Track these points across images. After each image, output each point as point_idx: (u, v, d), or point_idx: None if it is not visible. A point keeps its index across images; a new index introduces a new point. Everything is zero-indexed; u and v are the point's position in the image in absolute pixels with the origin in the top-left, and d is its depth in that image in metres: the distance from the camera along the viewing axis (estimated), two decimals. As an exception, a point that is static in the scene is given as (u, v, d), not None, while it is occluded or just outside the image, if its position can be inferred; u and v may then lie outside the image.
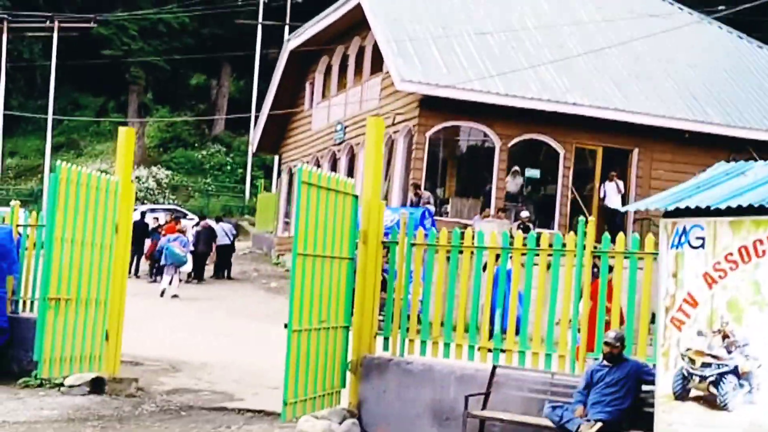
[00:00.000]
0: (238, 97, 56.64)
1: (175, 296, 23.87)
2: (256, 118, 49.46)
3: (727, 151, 26.01)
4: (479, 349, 10.25)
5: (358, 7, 26.71)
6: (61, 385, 11.90)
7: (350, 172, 28.75)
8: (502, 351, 10.05)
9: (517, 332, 10.22)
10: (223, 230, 29.08)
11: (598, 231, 10.33)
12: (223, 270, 29.00)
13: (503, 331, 10.30)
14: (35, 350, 11.42)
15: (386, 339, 11.01)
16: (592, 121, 25.11)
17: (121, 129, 12.94)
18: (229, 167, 50.52)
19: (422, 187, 23.65)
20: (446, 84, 24.03)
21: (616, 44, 26.67)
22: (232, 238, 29.86)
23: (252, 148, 36.88)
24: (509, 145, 25.14)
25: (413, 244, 10.97)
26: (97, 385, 11.92)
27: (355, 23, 28.06)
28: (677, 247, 7.17)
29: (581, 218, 9.91)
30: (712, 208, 6.90)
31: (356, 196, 11.05)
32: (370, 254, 10.98)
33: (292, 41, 31.72)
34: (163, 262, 24.59)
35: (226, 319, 20.14)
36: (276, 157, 46.76)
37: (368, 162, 11.17)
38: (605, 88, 25.75)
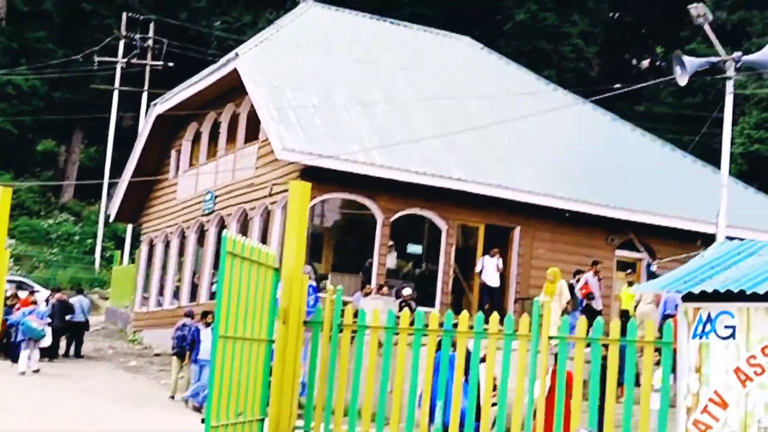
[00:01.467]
0: (87, 164, 54.29)
1: (37, 371, 22.39)
2: (109, 186, 47.64)
3: (606, 232, 25.98)
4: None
5: (234, 73, 25.55)
6: None
7: (219, 245, 27.27)
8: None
9: (462, 427, 9.11)
10: (80, 305, 27.02)
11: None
12: (74, 347, 26.85)
13: (444, 426, 9.16)
14: None
15: (307, 432, 9.72)
16: (475, 197, 24.52)
17: (-4, 188, 11.31)
18: (77, 237, 48.00)
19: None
20: (329, 154, 23.02)
21: (496, 122, 26.29)
22: (87, 315, 27.81)
23: (110, 217, 34.82)
24: (391, 219, 24.25)
25: (341, 326, 9.78)
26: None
27: (230, 89, 26.87)
28: (701, 337, 6.23)
29: (536, 299, 8.93)
30: (748, 292, 5.98)
31: (277, 270, 9.81)
32: (291, 336, 9.72)
33: (159, 106, 30.21)
34: (20, 338, 22.61)
35: (95, 404, 18.25)
36: (129, 228, 44.81)
37: (291, 230, 9.97)
38: (487, 165, 25.27)
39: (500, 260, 24.32)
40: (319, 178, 23.30)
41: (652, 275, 23.03)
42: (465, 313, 9.26)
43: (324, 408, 9.57)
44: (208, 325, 20.39)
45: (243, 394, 9.06)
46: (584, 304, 21.39)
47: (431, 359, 9.24)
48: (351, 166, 23.19)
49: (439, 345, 9.32)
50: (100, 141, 54.13)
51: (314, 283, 21.41)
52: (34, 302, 24.58)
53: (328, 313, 9.87)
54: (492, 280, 23.89)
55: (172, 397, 20.74)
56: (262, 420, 9.56)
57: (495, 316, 9.26)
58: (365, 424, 9.43)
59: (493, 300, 23.74)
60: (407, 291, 23.24)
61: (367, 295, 22.83)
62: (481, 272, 24.08)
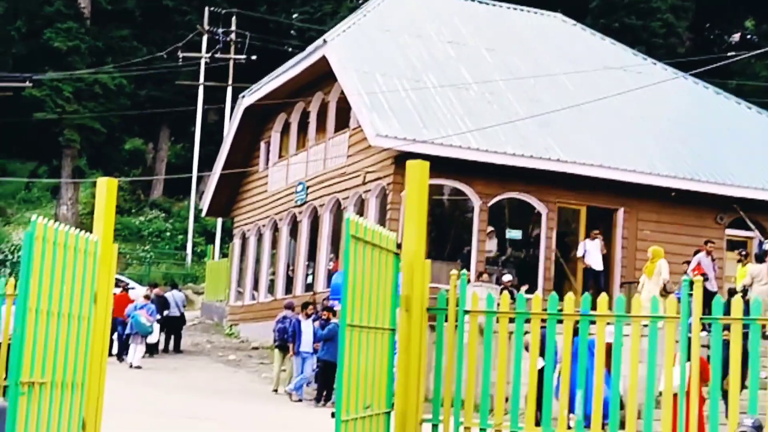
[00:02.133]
0: (174, 161, 54.58)
1: (138, 367, 22.52)
2: (198, 181, 47.78)
3: (714, 210, 24.94)
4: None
5: (323, 61, 25.12)
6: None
7: (313, 237, 26.94)
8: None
9: (605, 419, 8.47)
10: (174, 300, 26.93)
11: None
12: (173, 342, 26.78)
13: (586, 418, 8.53)
14: (5, 448, 9.29)
15: (435, 426, 9.16)
16: (575, 179, 23.72)
17: (101, 179, 10.98)
18: (168, 233, 48.22)
19: (403, 250, 21.86)
20: (423, 139, 22.44)
21: (593, 100, 25.40)
22: (182, 309, 27.73)
23: (202, 212, 34.74)
24: (489, 204, 23.58)
25: (467, 312, 9.21)
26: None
27: (318, 77, 26.48)
28: None
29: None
30: None
31: (398, 254, 9.27)
32: (414, 324, 9.17)
33: (247, 98, 29.95)
34: (128, 331, 22.87)
35: (199, 398, 18.01)
36: (219, 223, 44.87)
37: (410, 213, 9.42)
38: (588, 145, 24.43)
39: (602, 242, 23.48)
40: (413, 164, 22.80)
41: (764, 254, 22.00)
42: (604, 296, 8.61)
43: (453, 400, 9.02)
44: (308, 316, 20.04)
45: (370, 386, 8.54)
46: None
47: (568, 346, 8.62)
48: (446, 151, 22.58)
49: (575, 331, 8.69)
50: (186, 137, 54.41)
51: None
52: (131, 300, 24.74)
53: (452, 300, 9.31)
54: (596, 263, 23.07)
55: (275, 391, 20.43)
56: (389, 413, 9.05)
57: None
58: (498, 416, 8.86)
59: (598, 284, 22.92)
60: (508, 277, 22.62)
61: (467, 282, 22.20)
62: (583, 256, 23.25)
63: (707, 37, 55.04)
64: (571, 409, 8.53)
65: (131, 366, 22.55)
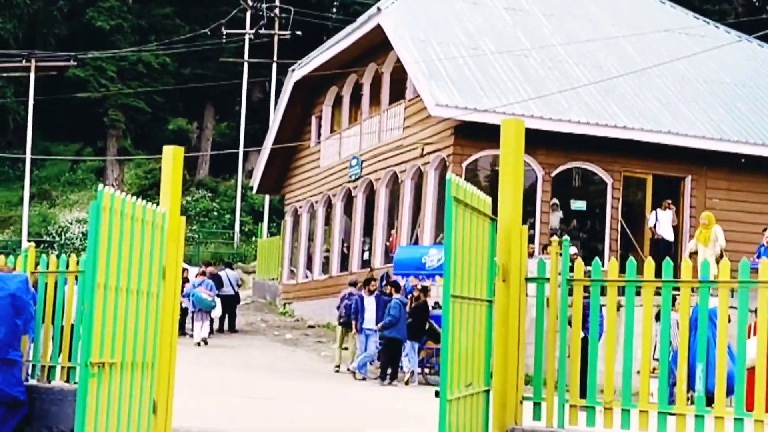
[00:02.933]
0: (219, 140, 54.12)
1: (204, 342, 22.60)
2: (244, 159, 47.29)
3: (786, 177, 23.95)
4: (676, 417, 7.73)
5: (376, 30, 24.36)
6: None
7: (369, 212, 26.26)
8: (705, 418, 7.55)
9: (729, 394, 7.72)
10: (228, 278, 26.41)
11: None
12: (227, 321, 26.29)
13: (709, 392, 7.78)
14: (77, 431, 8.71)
15: (537, 405, 8.45)
16: (641, 146, 22.83)
17: (167, 148, 10.37)
18: (215, 213, 47.79)
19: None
20: (485, 108, 21.65)
21: (656, 64, 24.48)
22: (236, 288, 27.23)
23: (253, 189, 34.18)
24: (552, 174, 22.76)
25: (570, 281, 8.48)
26: (146, 474, 9.28)
27: (371, 48, 25.76)
28: None
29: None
30: None
31: (494, 220, 8.56)
32: (513, 295, 8.46)
33: (297, 71, 29.26)
34: (191, 308, 22.60)
35: (263, 377, 17.45)
36: (266, 201, 44.38)
37: (505, 176, 8.70)
38: (653, 111, 23.51)
39: (674, 213, 22.61)
40: (473, 134, 22.08)
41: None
42: (726, 261, 7.84)
43: (557, 376, 8.30)
44: (371, 293, 19.40)
45: (471, 363, 7.86)
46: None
47: (686, 314, 7.87)
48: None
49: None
50: (231, 116, 53.91)
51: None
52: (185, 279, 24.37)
53: (554, 268, 8.58)
54: (668, 234, 22.19)
55: (338, 368, 19.84)
56: (487, 391, 8.36)
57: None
58: (607, 394, 8.13)
59: (669, 255, 21.99)
60: (573, 249, 21.79)
61: (530, 255, 21.43)
62: (655, 226, 22.38)
63: (756, 4, 53.60)
64: (691, 386, 7.79)
65: (198, 344, 22.44)
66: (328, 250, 28.73)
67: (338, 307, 20.07)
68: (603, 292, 8.46)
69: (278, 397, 14.62)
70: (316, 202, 29.40)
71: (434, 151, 22.93)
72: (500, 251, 8.59)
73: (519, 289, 8.55)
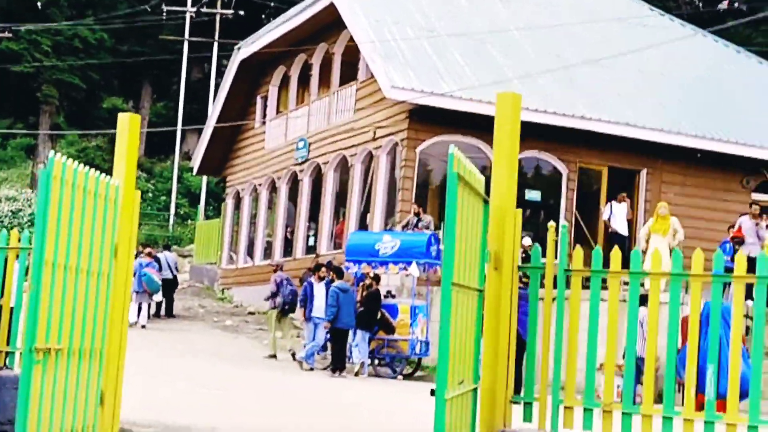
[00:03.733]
0: (156, 120, 52.72)
1: (143, 327, 21.75)
2: (181, 141, 46.05)
3: (741, 173, 23.71)
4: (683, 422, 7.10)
5: (328, 9, 23.56)
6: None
7: (315, 197, 25.44)
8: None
9: (742, 398, 7.12)
10: (167, 261, 25.39)
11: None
12: (165, 306, 25.26)
13: (720, 396, 7.16)
14: (18, 422, 7.82)
15: (527, 405, 7.77)
16: (598, 137, 22.35)
17: (123, 115, 9.49)
18: (150, 194, 46.47)
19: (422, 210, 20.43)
20: (442, 92, 20.96)
21: (614, 54, 24.00)
22: (175, 272, 26.23)
23: (193, 170, 33.11)
24: (508, 163, 22.11)
25: (568, 271, 7.81)
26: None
27: (322, 28, 24.94)
28: None
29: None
30: None
31: (487, 201, 7.86)
32: (505, 285, 7.76)
33: (243, 50, 28.29)
34: (135, 289, 21.45)
35: (208, 365, 16.57)
36: (204, 183, 43.26)
37: (500, 153, 8.03)
38: (611, 102, 23.04)
39: (629, 206, 22.17)
40: (427, 118, 21.41)
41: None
42: (743, 254, 7.25)
43: (552, 374, 7.62)
44: (321, 279, 18.60)
45: (462, 357, 7.13)
46: (733, 249, 19.16)
47: (696, 310, 7.23)
48: (464, 105, 21.13)
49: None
50: (169, 96, 52.55)
51: (438, 234, 19.56)
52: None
53: (550, 256, 7.90)
54: (622, 228, 21.73)
55: (274, 356, 19.13)
56: (476, 389, 7.65)
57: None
58: (607, 395, 7.47)
59: (623, 249, 21.55)
60: (526, 240, 21.23)
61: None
62: (609, 219, 21.91)
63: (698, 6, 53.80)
64: (700, 389, 7.17)
65: (143, 326, 21.81)
66: (270, 235, 27.85)
67: (273, 294, 19.35)
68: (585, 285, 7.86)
69: (227, 386, 13.81)
70: (260, 184, 28.48)
71: (387, 135, 22.20)
72: (493, 237, 7.89)
73: (512, 279, 7.86)
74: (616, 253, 7.70)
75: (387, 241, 18.01)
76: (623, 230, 21.89)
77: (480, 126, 21.57)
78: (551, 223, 8.20)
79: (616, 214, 21.75)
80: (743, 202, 23.18)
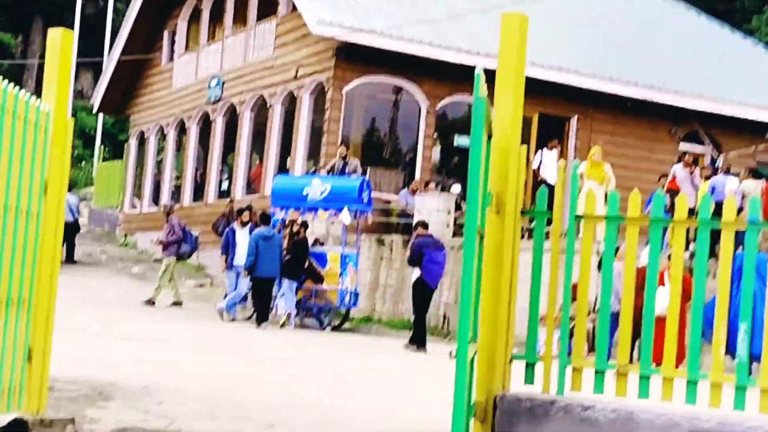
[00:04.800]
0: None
1: None
2: (75, 77, 43.77)
3: (670, 123, 23.34)
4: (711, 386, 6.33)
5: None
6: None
7: (229, 138, 24.15)
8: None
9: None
10: (68, 204, 23.78)
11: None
12: (66, 251, 23.74)
13: (753, 358, 6.40)
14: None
15: (530, 366, 6.89)
16: (528, 83, 21.29)
17: (54, 31, 8.17)
18: (42, 135, 44.17)
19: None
20: (370, 29, 19.87)
21: (544, -2, 23.18)
22: (76, 215, 24.71)
23: (93, 108, 31.33)
24: (437, 107, 21.25)
25: (579, 217, 6.94)
26: (16, 433, 7.28)
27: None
28: None
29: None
30: None
31: (489, 135, 6.91)
32: (507, 230, 6.84)
33: (149, -19, 26.63)
34: None
35: (123, 317, 15.35)
36: (100, 123, 41.32)
37: (504, 81, 7.11)
38: (542, 46, 22.18)
39: (560, 154, 21.53)
40: (355, 57, 20.33)
41: (716, 171, 20.44)
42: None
43: (560, 331, 6.76)
44: (244, 224, 17.45)
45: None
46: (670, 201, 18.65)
47: (727, 263, 6.44)
48: (395, 45, 20.13)
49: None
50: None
51: (366, 178, 18.58)
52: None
53: (559, 200, 7.01)
54: (552, 176, 21.05)
55: (178, 303, 18.12)
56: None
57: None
58: (622, 354, 6.64)
59: (552, 198, 20.92)
60: (456, 188, 20.51)
61: (414, 192, 20.00)
62: (538, 168, 21.23)
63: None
64: (729, 349, 6.40)
65: None
66: (179, 178, 26.45)
67: (178, 240, 18.23)
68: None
69: (149, 338, 12.66)
70: (167, 125, 27.00)
71: (311, 74, 21.03)
72: (494, 176, 6.95)
73: (514, 223, 6.94)
74: (635, 197, 6.83)
75: (316, 185, 16.93)
76: (552, 179, 21.23)
77: (408, 67, 20.65)
78: (561, 162, 7.28)
79: (545, 163, 21.08)
80: (671, 152, 22.83)
